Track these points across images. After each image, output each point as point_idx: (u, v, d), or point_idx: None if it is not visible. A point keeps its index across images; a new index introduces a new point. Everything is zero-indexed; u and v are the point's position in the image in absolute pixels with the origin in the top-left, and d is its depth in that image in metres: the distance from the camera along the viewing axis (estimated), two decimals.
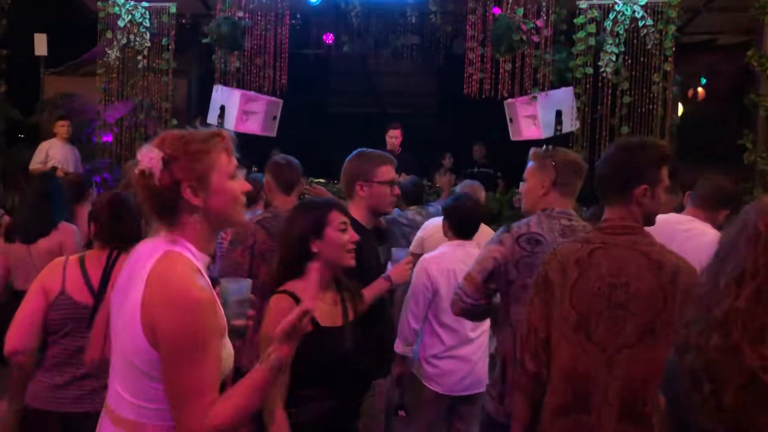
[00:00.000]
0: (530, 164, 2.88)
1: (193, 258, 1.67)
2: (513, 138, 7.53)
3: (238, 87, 7.81)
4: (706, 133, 7.61)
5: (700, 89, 8.06)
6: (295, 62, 8.23)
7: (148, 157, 1.65)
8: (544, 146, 2.87)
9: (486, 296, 2.69)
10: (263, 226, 3.49)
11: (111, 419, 1.67)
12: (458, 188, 4.79)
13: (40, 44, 8.82)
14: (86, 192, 4.95)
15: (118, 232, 2.76)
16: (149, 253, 1.67)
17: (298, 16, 7.85)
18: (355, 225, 2.64)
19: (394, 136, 7.38)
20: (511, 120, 7.52)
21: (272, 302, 2.36)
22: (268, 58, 7.87)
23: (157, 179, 1.65)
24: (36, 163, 7.54)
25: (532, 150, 2.89)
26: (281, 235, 2.56)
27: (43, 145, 7.61)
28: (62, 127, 7.63)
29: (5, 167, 8.04)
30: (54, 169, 7.33)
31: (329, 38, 8.16)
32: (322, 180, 7.52)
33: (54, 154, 7.54)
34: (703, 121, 7.66)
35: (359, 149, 3.09)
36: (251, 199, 5.06)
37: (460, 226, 3.79)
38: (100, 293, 2.69)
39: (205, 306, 1.59)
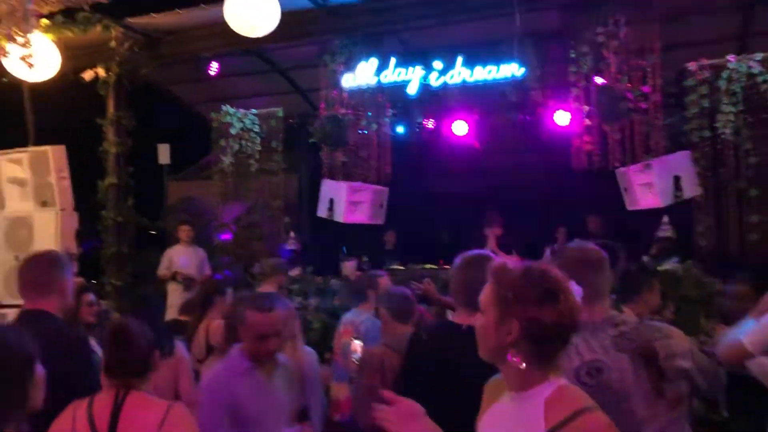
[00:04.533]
0: None
1: None
2: (629, 207, 7.18)
3: (344, 179, 8.00)
4: None
5: None
6: (397, 149, 8.36)
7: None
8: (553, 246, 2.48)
9: None
10: (388, 346, 3.56)
11: None
12: None
13: (164, 154, 9.50)
14: (215, 300, 4.66)
15: (125, 364, 2.36)
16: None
17: (399, 106, 7.99)
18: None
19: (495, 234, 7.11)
20: (625, 189, 7.19)
21: None
22: (372, 149, 8.04)
23: None
24: (162, 270, 7.95)
25: (547, 251, 2.54)
26: None
27: (168, 252, 8.02)
28: (184, 232, 8.02)
29: (137, 272, 8.54)
30: (175, 274, 7.69)
31: (430, 122, 8.24)
32: (433, 266, 7.44)
33: (177, 259, 7.92)
34: None
35: (466, 255, 2.87)
36: (360, 295, 5.04)
37: None
38: None
39: None
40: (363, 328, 4.57)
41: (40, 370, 1.88)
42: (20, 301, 6.27)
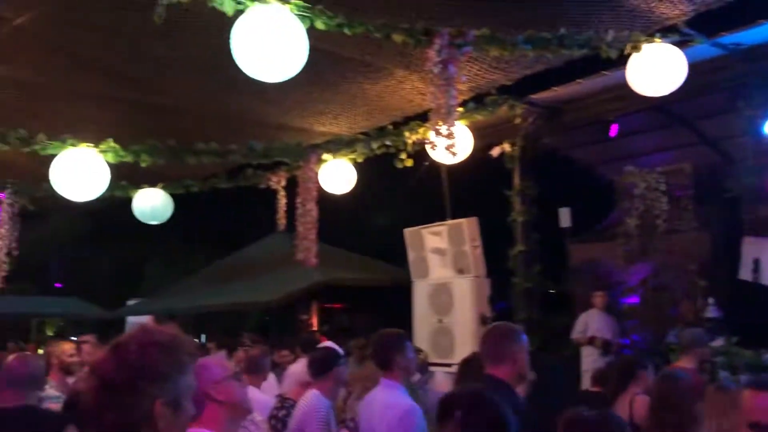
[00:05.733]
0: None
1: None
2: None
3: None
4: None
5: None
6: None
7: None
8: None
9: None
10: None
11: None
12: None
13: (565, 217, 9.60)
14: (637, 373, 4.29)
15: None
16: None
17: None
18: None
19: None
20: None
21: None
22: None
23: None
24: (576, 333, 7.98)
25: None
26: None
27: (583, 316, 8.01)
28: (599, 298, 7.96)
29: (543, 336, 8.71)
30: (593, 338, 7.62)
31: None
32: None
33: (592, 324, 7.86)
34: None
35: None
36: None
37: None
38: None
39: None
40: None
41: None
42: (445, 360, 6.92)
